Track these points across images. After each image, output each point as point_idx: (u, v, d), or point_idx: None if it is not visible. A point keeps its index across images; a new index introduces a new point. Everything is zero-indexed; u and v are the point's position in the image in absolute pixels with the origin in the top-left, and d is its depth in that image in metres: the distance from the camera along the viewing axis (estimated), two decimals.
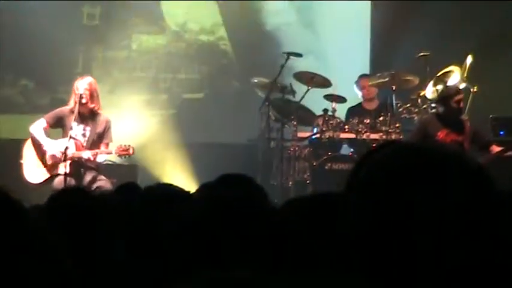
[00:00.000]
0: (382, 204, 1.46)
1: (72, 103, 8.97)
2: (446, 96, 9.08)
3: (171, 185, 3.81)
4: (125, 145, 8.88)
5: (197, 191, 3.98)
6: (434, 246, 1.43)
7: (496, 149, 8.85)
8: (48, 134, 9.08)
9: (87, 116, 9.03)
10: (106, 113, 9.21)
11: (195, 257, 1.93)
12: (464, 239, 1.44)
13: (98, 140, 8.99)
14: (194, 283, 0.96)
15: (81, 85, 8.94)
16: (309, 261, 1.89)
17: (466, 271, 1.44)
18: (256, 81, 10.77)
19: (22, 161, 9.11)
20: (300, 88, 10.49)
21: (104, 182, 8.91)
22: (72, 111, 8.92)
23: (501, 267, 1.46)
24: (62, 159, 8.68)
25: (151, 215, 2.77)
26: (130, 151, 8.85)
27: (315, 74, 10.52)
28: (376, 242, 1.46)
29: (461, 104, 9.03)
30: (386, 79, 10.32)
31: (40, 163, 9.05)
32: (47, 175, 9.00)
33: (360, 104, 10.83)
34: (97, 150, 8.86)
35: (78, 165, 8.90)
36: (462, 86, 9.59)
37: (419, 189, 1.45)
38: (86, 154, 8.78)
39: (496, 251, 1.45)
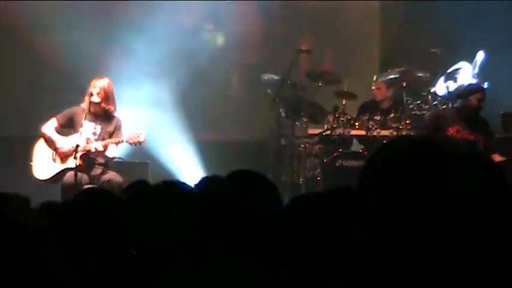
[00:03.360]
0: (393, 199, 1.46)
1: (87, 101, 8.99)
2: (468, 91, 8.91)
3: (178, 182, 3.82)
4: (136, 132, 8.87)
5: (196, 186, 3.99)
6: (447, 244, 1.43)
7: (497, 158, 8.53)
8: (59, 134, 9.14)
9: (100, 115, 9.05)
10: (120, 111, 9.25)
11: (187, 251, 1.94)
12: (479, 238, 1.44)
13: (108, 139, 9.00)
14: (179, 277, 0.97)
15: (98, 84, 8.97)
16: (305, 260, 1.89)
17: (482, 270, 1.43)
18: (266, 78, 10.78)
19: (32, 163, 9.14)
20: (310, 85, 10.49)
21: (113, 176, 8.92)
22: (84, 110, 8.95)
23: None
24: (73, 154, 8.71)
25: (157, 213, 2.79)
26: (141, 138, 8.81)
27: (326, 71, 10.53)
28: (387, 239, 1.45)
29: (482, 104, 8.78)
30: (397, 76, 10.33)
31: (51, 159, 9.09)
32: (57, 169, 9.03)
33: (373, 100, 10.77)
34: (108, 140, 8.87)
35: (89, 160, 8.93)
36: (473, 82, 9.56)
37: (428, 186, 1.44)
38: (95, 144, 8.80)
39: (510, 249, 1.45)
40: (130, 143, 8.86)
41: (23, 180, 8.99)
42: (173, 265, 2.00)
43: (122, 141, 8.88)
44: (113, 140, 8.92)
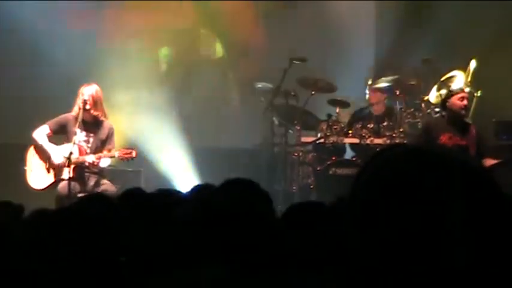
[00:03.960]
0: (384, 207, 1.46)
1: (76, 109, 8.99)
2: (447, 97, 9.00)
3: (172, 190, 3.83)
4: (128, 148, 8.90)
5: (188, 193, 3.98)
6: (442, 251, 1.43)
7: (489, 162, 8.57)
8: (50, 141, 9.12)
9: (91, 122, 9.06)
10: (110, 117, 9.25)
11: (177, 256, 1.93)
12: (472, 243, 1.44)
13: (101, 147, 9.02)
14: (166, 281, 0.96)
15: (86, 91, 8.97)
16: (295, 266, 1.89)
17: (477, 275, 1.43)
18: (260, 86, 10.79)
19: (26, 168, 9.14)
20: (303, 93, 10.50)
21: (108, 186, 8.94)
22: (76, 118, 8.95)
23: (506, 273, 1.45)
24: (66, 163, 8.70)
25: (150, 219, 2.79)
26: (133, 154, 8.86)
27: (319, 79, 10.54)
28: (379, 248, 1.45)
29: (464, 103, 8.89)
30: (390, 84, 10.35)
31: (44, 168, 9.08)
32: (51, 180, 9.03)
33: (367, 107, 10.78)
34: (100, 154, 8.88)
35: (82, 170, 8.93)
36: (466, 90, 9.58)
37: (422, 193, 1.44)
38: (90, 158, 8.82)
39: (502, 255, 1.45)
40: (122, 159, 8.89)
41: (20, 187, 9.01)
42: (164, 270, 1.99)
43: (114, 157, 8.91)
44: (106, 154, 8.92)
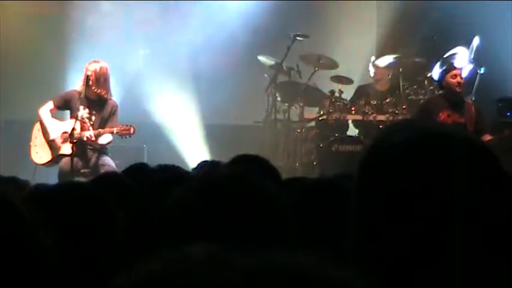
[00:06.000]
0: (404, 189, 1.46)
1: (80, 85, 8.97)
2: (442, 75, 8.99)
3: (174, 166, 3.83)
4: (126, 125, 8.86)
5: (194, 170, 3.98)
6: (446, 228, 1.44)
7: (487, 137, 8.57)
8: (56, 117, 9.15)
9: (95, 100, 9.01)
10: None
11: (176, 236, 1.93)
12: (476, 221, 1.44)
13: (103, 125, 8.96)
14: (152, 262, 0.96)
15: (90, 67, 8.93)
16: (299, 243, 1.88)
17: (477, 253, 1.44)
18: (262, 59, 10.74)
19: (30, 143, 9.16)
20: (306, 70, 10.48)
21: (108, 161, 8.93)
22: (80, 94, 8.93)
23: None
24: (67, 139, 8.71)
25: (153, 196, 2.78)
26: (131, 130, 8.79)
27: (322, 56, 10.52)
28: (392, 229, 1.46)
29: (458, 80, 8.87)
30: (394, 61, 10.34)
31: (46, 144, 9.09)
32: (50, 156, 9.03)
33: (370, 84, 10.76)
34: (99, 130, 8.84)
35: (84, 147, 8.92)
36: (469, 67, 9.56)
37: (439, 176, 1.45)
38: (88, 133, 8.78)
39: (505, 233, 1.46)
40: (120, 135, 8.84)
41: (30, 164, 9.10)
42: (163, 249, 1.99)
43: (113, 133, 8.85)
44: (105, 130, 8.88)
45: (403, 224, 1.45)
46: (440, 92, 9.19)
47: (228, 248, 0.95)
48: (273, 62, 10.55)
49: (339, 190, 2.57)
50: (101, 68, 8.95)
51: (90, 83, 8.87)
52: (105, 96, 9.02)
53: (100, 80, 8.94)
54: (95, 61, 9.03)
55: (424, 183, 1.45)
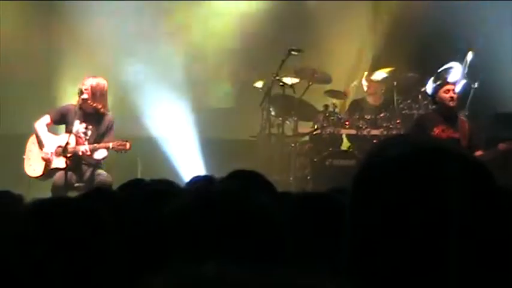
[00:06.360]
0: (398, 203, 1.46)
1: (77, 99, 8.96)
2: (435, 90, 9.02)
3: (167, 181, 3.82)
4: (122, 140, 8.84)
5: (187, 184, 3.97)
6: (441, 242, 1.44)
7: (479, 153, 8.44)
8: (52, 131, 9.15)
9: (91, 114, 9.01)
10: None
11: (172, 250, 1.93)
12: (471, 235, 1.45)
13: (99, 140, 8.96)
14: (160, 277, 0.96)
15: (87, 82, 8.94)
16: (293, 259, 1.89)
17: (469, 271, 1.44)
18: (257, 77, 10.78)
19: (24, 156, 9.15)
20: (300, 84, 10.49)
21: (104, 177, 8.91)
22: (76, 108, 8.93)
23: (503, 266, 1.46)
24: (61, 153, 8.70)
25: (145, 210, 2.78)
26: (127, 146, 8.77)
27: (316, 70, 10.54)
28: (387, 243, 1.46)
29: (451, 95, 8.88)
30: (387, 75, 10.36)
31: (40, 157, 9.08)
32: (44, 169, 9.01)
33: (363, 98, 10.78)
34: (95, 145, 8.83)
35: (78, 161, 8.91)
36: (463, 82, 9.60)
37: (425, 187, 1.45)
38: (83, 147, 8.77)
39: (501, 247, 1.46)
40: (116, 151, 8.82)
41: (24, 178, 9.07)
42: (160, 264, 1.99)
43: (109, 148, 8.83)
44: (101, 145, 8.86)
45: (397, 239, 1.45)
46: (434, 106, 9.22)
47: (227, 264, 0.95)
48: (268, 77, 10.55)
49: (334, 204, 2.57)
50: (98, 83, 8.96)
51: (86, 96, 8.87)
52: (102, 110, 9.02)
53: (96, 94, 8.94)
54: (93, 76, 9.05)
55: (418, 198, 1.45)
